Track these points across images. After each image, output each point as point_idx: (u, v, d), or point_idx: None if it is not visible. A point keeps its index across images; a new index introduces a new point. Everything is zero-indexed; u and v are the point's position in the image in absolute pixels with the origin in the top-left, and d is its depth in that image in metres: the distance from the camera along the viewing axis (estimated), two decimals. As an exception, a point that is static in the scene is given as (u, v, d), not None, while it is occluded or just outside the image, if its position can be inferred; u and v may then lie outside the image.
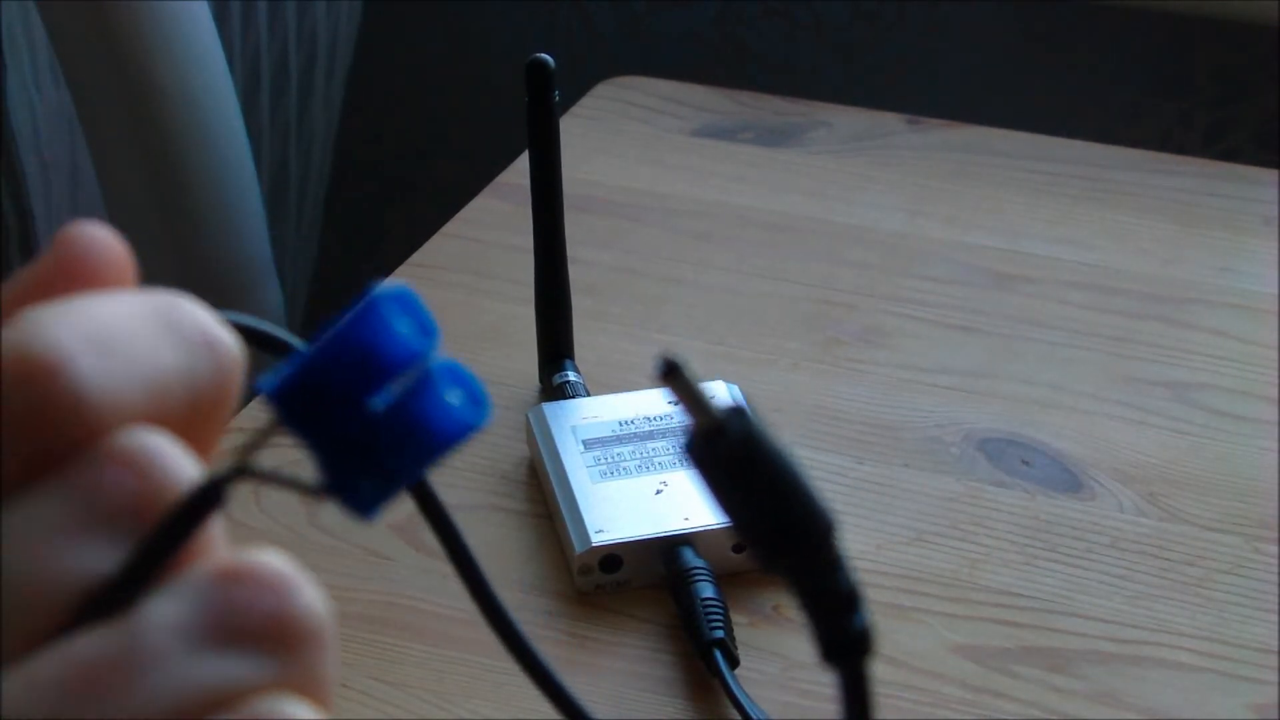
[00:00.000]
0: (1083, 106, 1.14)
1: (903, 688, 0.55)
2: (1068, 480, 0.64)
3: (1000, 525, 0.62)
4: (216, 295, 1.00)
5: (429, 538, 0.62)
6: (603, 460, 0.61)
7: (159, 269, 0.96)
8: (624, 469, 0.61)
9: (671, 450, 0.61)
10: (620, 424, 0.63)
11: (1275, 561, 0.60)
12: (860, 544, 0.61)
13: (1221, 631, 0.57)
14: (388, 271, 0.76)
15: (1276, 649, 0.56)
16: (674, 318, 0.73)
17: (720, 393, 0.64)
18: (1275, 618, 0.58)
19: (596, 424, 0.63)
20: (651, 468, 0.61)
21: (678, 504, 0.59)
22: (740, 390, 0.65)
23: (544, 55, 0.62)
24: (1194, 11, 1.08)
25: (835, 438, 0.66)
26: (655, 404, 0.64)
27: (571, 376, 0.66)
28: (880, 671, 0.55)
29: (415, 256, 0.78)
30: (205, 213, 0.95)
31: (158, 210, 0.94)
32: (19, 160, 1.11)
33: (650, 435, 0.62)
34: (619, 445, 0.62)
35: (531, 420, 0.64)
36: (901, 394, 0.69)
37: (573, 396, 0.65)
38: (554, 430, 0.62)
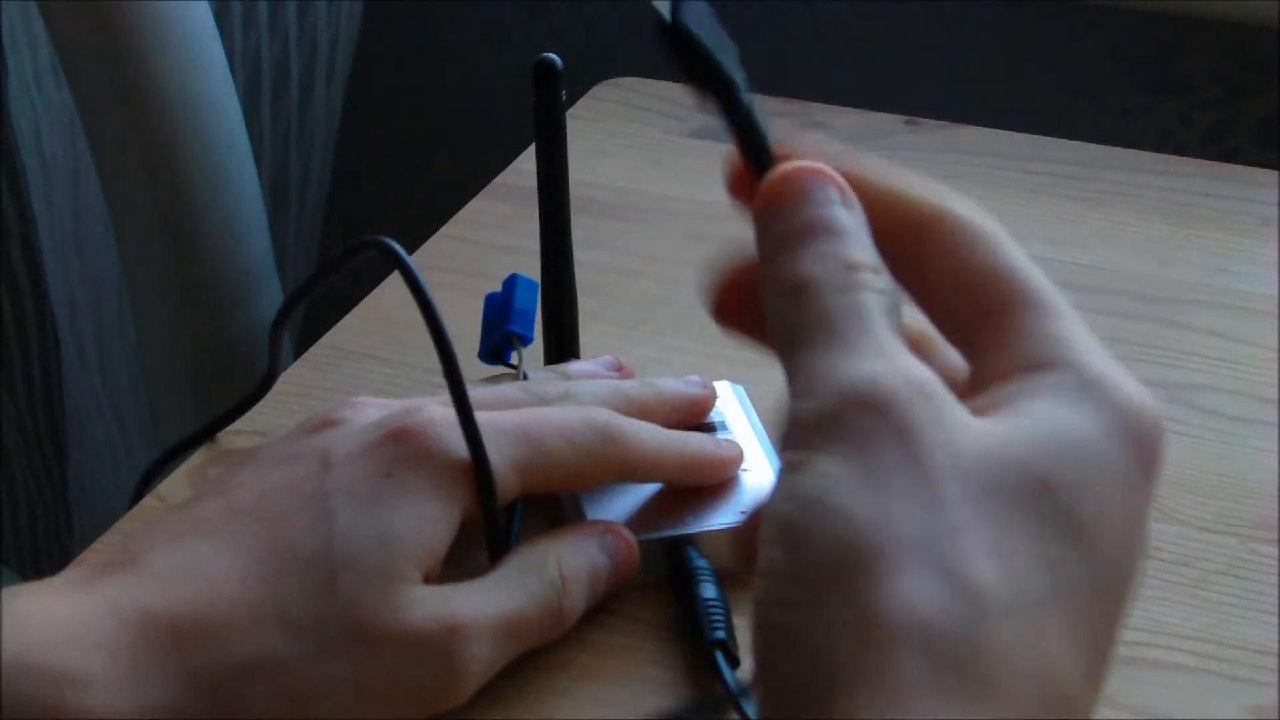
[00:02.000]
0: (1082, 106, 1.14)
1: (899, 689, 0.55)
2: (1064, 481, 0.64)
3: (997, 526, 0.62)
4: (217, 296, 1.01)
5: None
6: None
7: (159, 269, 0.96)
8: None
9: None
10: None
11: (1272, 562, 0.60)
12: (857, 545, 0.60)
13: (1218, 633, 0.57)
14: (387, 273, 0.77)
15: (1274, 650, 0.56)
16: (672, 319, 0.73)
17: (725, 393, 0.64)
18: (1272, 619, 0.58)
19: None
20: None
21: (681, 504, 0.59)
22: (744, 390, 0.65)
23: (551, 55, 0.62)
24: (1194, 11, 1.08)
25: (832, 439, 0.66)
26: None
27: (576, 377, 0.66)
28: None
29: (413, 258, 0.77)
30: (206, 213, 0.95)
31: (158, 210, 0.94)
32: (20, 160, 1.12)
33: None
34: None
35: (534, 420, 0.64)
36: (899, 395, 0.69)
37: None
38: None
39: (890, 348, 0.36)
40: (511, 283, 0.65)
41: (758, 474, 0.60)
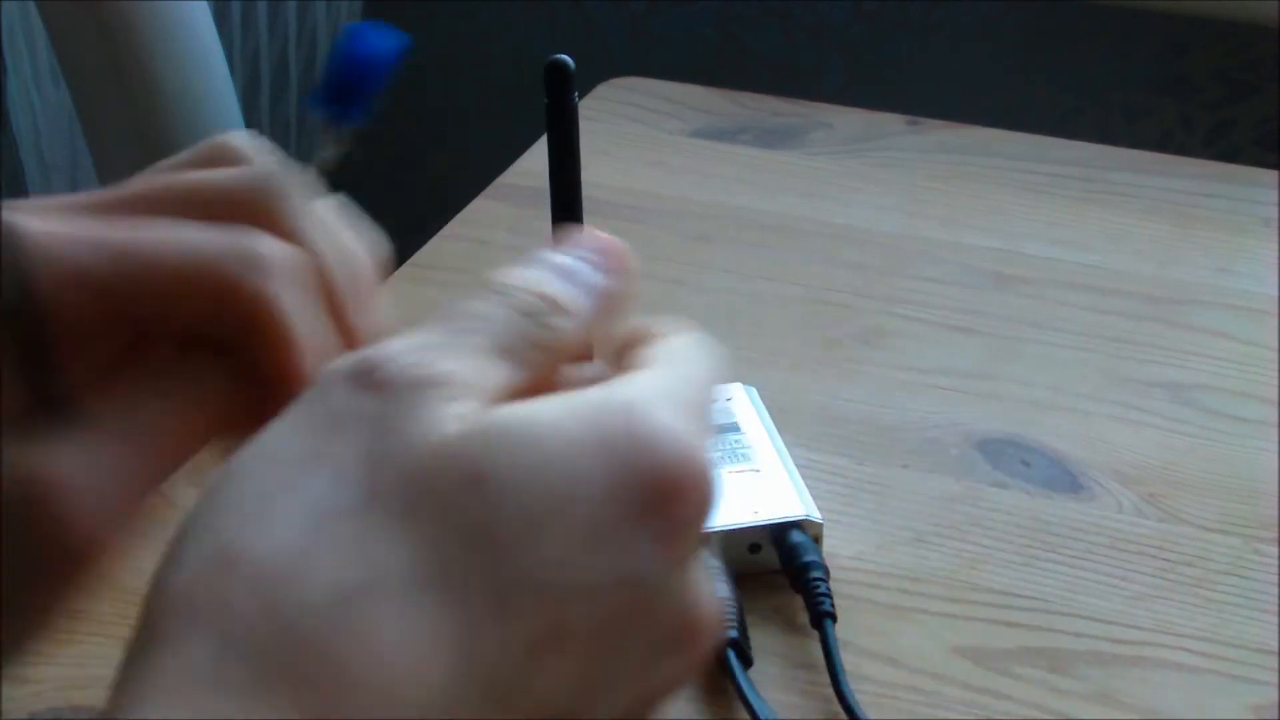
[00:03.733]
0: (1083, 107, 1.14)
1: (903, 688, 0.55)
2: (1067, 481, 0.64)
3: (999, 526, 0.62)
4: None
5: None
6: None
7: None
8: None
9: None
10: None
11: (1274, 562, 0.60)
12: (860, 544, 0.61)
13: (1221, 632, 0.57)
14: (387, 272, 0.76)
15: (1276, 649, 0.56)
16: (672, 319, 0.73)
17: (738, 395, 0.64)
18: (1274, 618, 0.58)
19: None
20: None
21: None
22: (756, 392, 0.65)
23: (564, 56, 0.62)
24: (1194, 11, 1.09)
25: (834, 438, 0.66)
26: None
27: (588, 377, 0.66)
28: (880, 672, 0.55)
29: (415, 258, 0.78)
30: (206, 213, 0.95)
31: (158, 210, 0.94)
32: (19, 159, 1.11)
33: None
34: None
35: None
36: (900, 395, 0.69)
37: None
38: None
39: (458, 349, 0.34)
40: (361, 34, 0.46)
41: (770, 474, 0.60)
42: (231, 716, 0.28)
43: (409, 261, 0.77)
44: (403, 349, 0.33)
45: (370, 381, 0.32)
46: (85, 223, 0.37)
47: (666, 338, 0.39)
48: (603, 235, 0.41)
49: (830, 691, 0.54)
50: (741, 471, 0.61)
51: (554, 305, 0.37)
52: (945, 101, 1.14)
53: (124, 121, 0.92)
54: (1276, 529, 0.61)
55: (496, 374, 0.34)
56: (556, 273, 0.39)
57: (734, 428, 0.62)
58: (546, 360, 0.36)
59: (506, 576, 0.31)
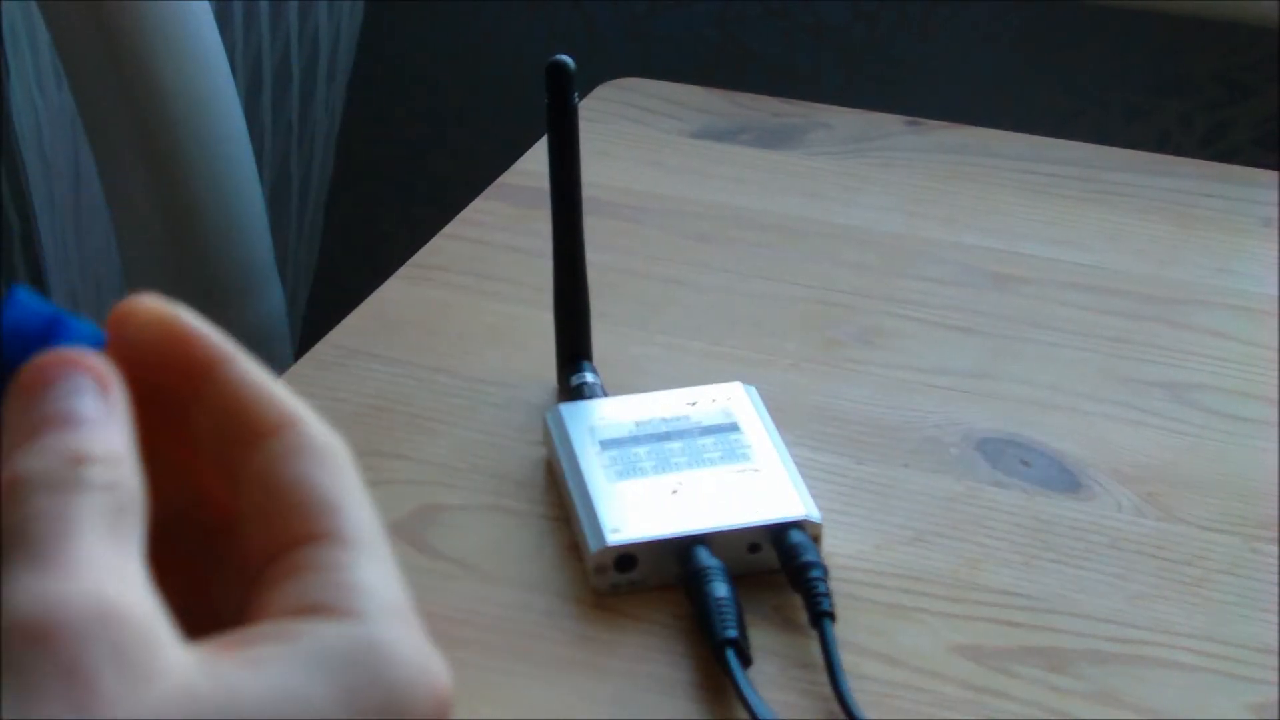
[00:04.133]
0: (1082, 107, 1.14)
1: (903, 688, 0.55)
2: (1066, 480, 0.64)
3: (1000, 525, 0.62)
4: (218, 297, 1.01)
5: (431, 537, 0.62)
6: (619, 460, 0.61)
7: (161, 270, 0.96)
8: (640, 469, 0.61)
9: (688, 451, 0.62)
10: (637, 425, 0.63)
11: (1274, 561, 0.60)
12: (860, 544, 0.61)
13: (1220, 631, 0.57)
14: (389, 272, 0.77)
15: (1275, 649, 0.57)
16: (673, 319, 0.74)
17: (738, 395, 0.65)
18: (1274, 617, 0.58)
19: (614, 425, 0.63)
20: (668, 468, 0.61)
21: (693, 504, 0.59)
22: (756, 391, 0.65)
23: (564, 57, 0.62)
24: (1194, 12, 1.09)
25: (834, 438, 0.66)
26: (672, 405, 0.64)
27: (589, 378, 0.66)
28: (880, 671, 0.56)
29: (416, 257, 0.78)
30: (207, 214, 0.95)
31: (160, 211, 0.95)
32: (22, 161, 1.12)
33: (667, 436, 0.62)
34: (636, 446, 0.62)
35: (549, 421, 0.64)
36: (900, 394, 0.69)
37: (590, 398, 0.65)
38: (571, 431, 0.63)
39: (88, 563, 0.30)
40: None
41: (769, 474, 0.60)
42: None
43: (409, 262, 0.77)
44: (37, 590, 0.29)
45: (34, 636, 0.28)
46: None
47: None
48: (61, 357, 0.33)
49: (829, 691, 0.54)
50: (741, 471, 0.61)
51: (98, 458, 0.32)
52: (945, 101, 1.14)
53: (126, 123, 0.92)
54: (1276, 528, 0.62)
55: (130, 561, 0.31)
56: (65, 426, 0.32)
57: (734, 427, 0.63)
58: (136, 517, 0.32)
59: None
